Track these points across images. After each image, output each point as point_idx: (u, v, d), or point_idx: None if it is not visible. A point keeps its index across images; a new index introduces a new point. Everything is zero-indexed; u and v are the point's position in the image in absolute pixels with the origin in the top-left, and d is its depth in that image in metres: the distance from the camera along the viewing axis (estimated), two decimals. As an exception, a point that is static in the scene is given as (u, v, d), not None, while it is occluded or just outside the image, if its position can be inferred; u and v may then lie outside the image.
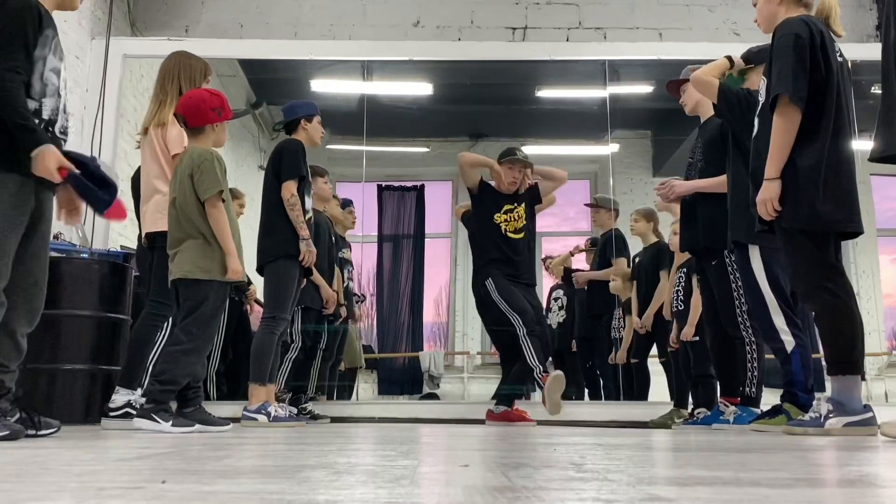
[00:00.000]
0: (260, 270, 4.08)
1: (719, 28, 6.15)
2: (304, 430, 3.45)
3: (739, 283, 3.66)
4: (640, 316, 5.18)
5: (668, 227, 4.84)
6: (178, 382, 3.12)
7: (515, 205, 4.71)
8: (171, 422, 3.04)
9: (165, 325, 3.60)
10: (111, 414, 3.55)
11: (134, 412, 3.50)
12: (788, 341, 3.23)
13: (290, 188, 3.97)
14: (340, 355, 5.80)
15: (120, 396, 3.59)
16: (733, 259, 3.67)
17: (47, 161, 2.45)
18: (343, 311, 5.38)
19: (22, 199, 2.50)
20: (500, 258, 4.58)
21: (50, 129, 2.61)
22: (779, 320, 3.25)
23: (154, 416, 3.04)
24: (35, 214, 2.57)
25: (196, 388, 3.31)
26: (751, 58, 3.59)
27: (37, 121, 2.52)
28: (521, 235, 4.65)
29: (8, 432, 2.33)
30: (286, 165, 4.02)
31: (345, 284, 5.59)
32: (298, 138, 4.18)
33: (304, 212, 4.07)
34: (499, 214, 4.67)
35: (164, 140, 3.74)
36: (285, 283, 3.93)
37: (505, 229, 4.65)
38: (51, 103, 2.60)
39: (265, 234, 4.05)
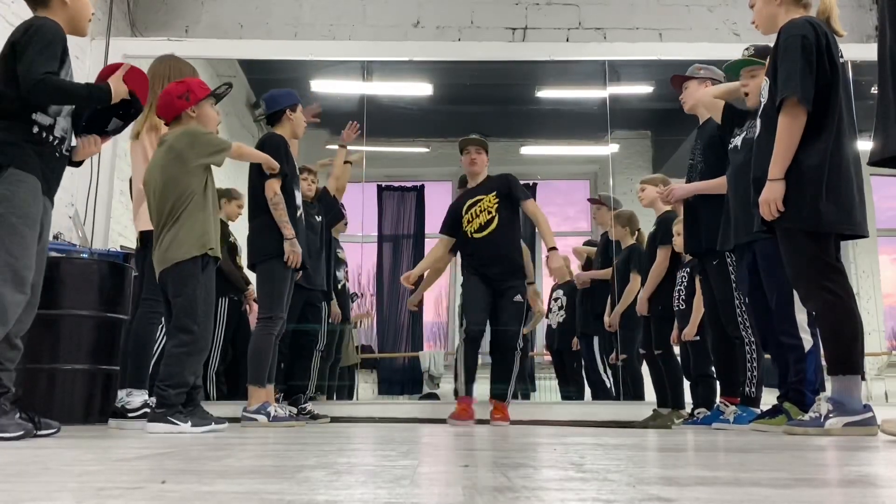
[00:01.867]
0: (252, 268, 4.05)
1: (719, 28, 6.15)
2: (303, 430, 3.45)
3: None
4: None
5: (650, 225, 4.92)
6: (188, 382, 3.12)
7: (480, 197, 4.64)
8: (189, 422, 3.03)
9: (163, 321, 3.61)
10: (129, 415, 3.54)
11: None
12: (807, 340, 3.21)
13: (272, 187, 3.88)
14: (339, 354, 5.81)
15: (135, 398, 3.58)
16: (733, 260, 3.67)
17: (120, 88, 2.79)
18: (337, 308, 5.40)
19: (37, 198, 2.59)
20: (469, 257, 4.67)
21: (61, 146, 2.72)
22: (801, 317, 3.22)
23: (171, 419, 3.01)
24: (42, 219, 2.65)
25: (198, 387, 3.31)
26: (766, 54, 3.60)
27: (50, 137, 2.65)
28: (485, 233, 4.57)
29: (22, 432, 2.38)
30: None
31: (340, 284, 5.60)
32: (281, 131, 4.09)
33: (296, 207, 4.02)
34: (464, 217, 4.65)
35: (157, 144, 3.74)
36: (279, 282, 3.90)
37: (469, 232, 4.61)
38: (63, 123, 2.73)
39: (256, 232, 4.00)
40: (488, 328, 4.64)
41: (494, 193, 4.61)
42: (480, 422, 4.50)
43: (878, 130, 2.35)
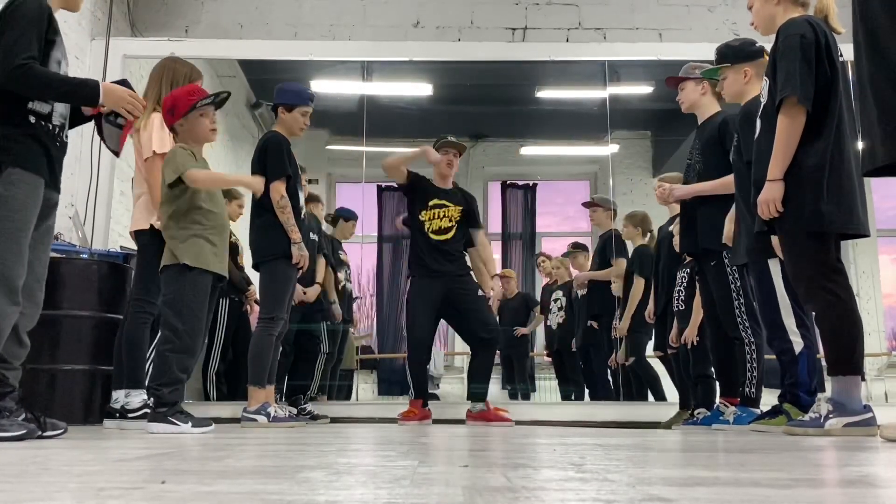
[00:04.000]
0: (256, 268, 4.04)
1: (719, 28, 6.14)
2: (303, 431, 3.45)
3: (738, 285, 3.67)
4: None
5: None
6: (180, 379, 3.11)
7: (448, 204, 4.63)
8: (190, 422, 3.03)
9: (153, 321, 3.62)
10: (129, 416, 3.55)
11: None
12: (797, 342, 3.22)
13: (278, 189, 3.83)
14: (342, 355, 5.82)
15: (134, 398, 3.59)
16: (734, 267, 3.67)
17: (119, 93, 2.63)
18: (337, 311, 5.44)
19: (35, 200, 2.53)
20: (421, 261, 4.57)
21: (60, 133, 2.66)
22: (789, 321, 3.22)
23: (171, 419, 3.01)
24: (43, 212, 2.60)
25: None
26: (727, 54, 3.60)
27: (49, 126, 2.58)
28: (441, 238, 4.55)
29: (24, 431, 2.36)
30: (271, 165, 3.88)
31: (342, 285, 5.62)
32: (278, 129, 4.05)
33: (299, 209, 3.99)
34: (424, 211, 4.60)
35: (139, 144, 3.75)
36: (282, 283, 3.88)
37: (428, 230, 4.56)
38: (61, 108, 2.65)
39: (259, 233, 3.96)
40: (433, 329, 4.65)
41: (461, 209, 4.65)
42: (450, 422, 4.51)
43: (864, 140, 2.33)
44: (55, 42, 2.58)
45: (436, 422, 4.57)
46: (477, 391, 4.55)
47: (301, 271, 4.04)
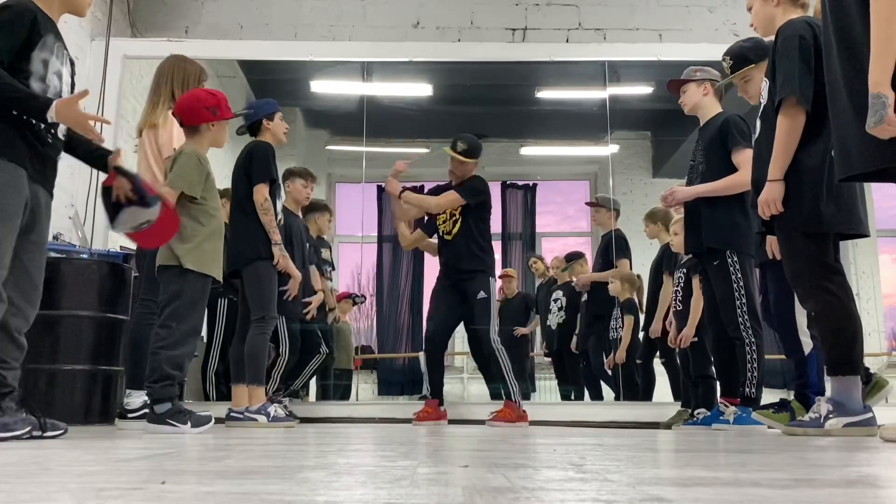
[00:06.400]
0: (234, 275, 3.97)
1: (719, 29, 6.15)
2: (303, 430, 3.45)
3: (741, 284, 3.67)
4: (647, 316, 5.21)
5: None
6: (171, 375, 3.14)
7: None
8: (189, 422, 3.08)
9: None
10: (130, 416, 3.58)
11: None
12: (807, 343, 3.23)
13: (262, 192, 3.89)
14: (332, 354, 5.83)
15: (135, 399, 3.61)
16: (734, 260, 3.67)
17: (70, 110, 2.48)
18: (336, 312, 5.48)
19: (17, 188, 2.48)
20: (441, 257, 4.78)
21: (52, 130, 2.63)
22: (802, 319, 3.23)
23: (170, 421, 3.06)
24: (33, 211, 2.57)
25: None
26: (749, 56, 3.57)
27: (33, 120, 2.54)
28: (451, 236, 4.68)
29: (29, 427, 2.39)
30: (257, 169, 3.95)
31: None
32: (265, 139, 4.11)
33: (275, 214, 4.01)
34: (439, 217, 4.77)
35: (156, 143, 3.76)
36: (268, 282, 3.91)
37: (443, 232, 4.73)
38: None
39: (239, 238, 3.96)
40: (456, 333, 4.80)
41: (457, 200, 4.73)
42: (469, 422, 4.51)
43: (836, 145, 2.32)
44: (39, 43, 2.55)
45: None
46: (495, 391, 4.73)
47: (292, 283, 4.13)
